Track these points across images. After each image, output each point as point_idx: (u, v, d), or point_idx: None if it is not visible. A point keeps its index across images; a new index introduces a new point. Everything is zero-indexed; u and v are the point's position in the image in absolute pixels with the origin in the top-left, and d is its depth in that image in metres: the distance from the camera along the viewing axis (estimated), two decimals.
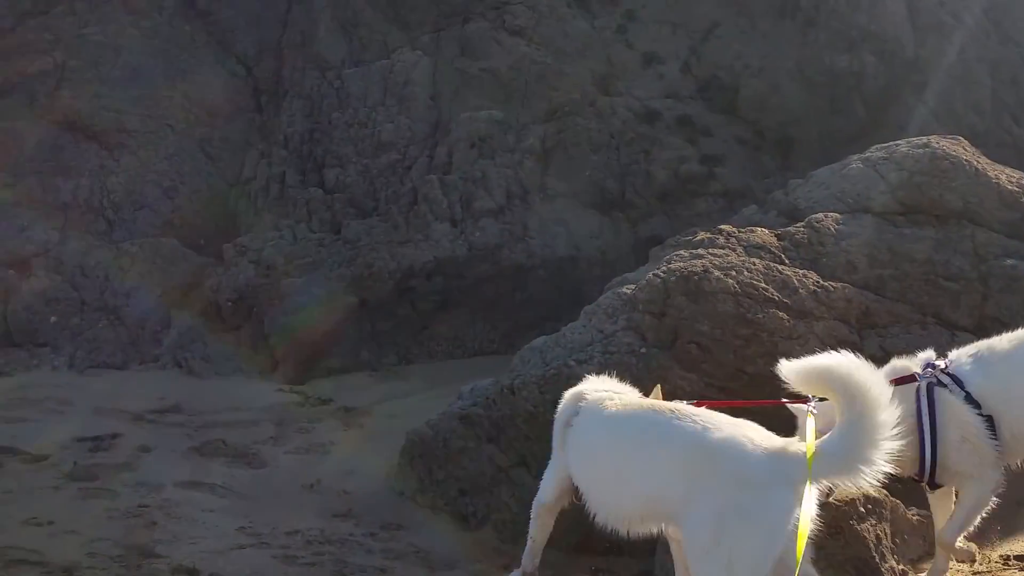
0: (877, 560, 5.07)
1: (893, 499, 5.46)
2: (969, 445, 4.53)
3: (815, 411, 4.07)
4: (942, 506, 4.76)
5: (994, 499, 5.95)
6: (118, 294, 9.56)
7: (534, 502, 4.76)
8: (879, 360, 6.58)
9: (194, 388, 8.66)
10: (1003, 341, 4.67)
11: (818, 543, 5.07)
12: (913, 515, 5.61)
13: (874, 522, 5.17)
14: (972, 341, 6.80)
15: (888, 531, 5.26)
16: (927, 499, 5.82)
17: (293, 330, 9.17)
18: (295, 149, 10.58)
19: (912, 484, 6.30)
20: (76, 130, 10.33)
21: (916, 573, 5.33)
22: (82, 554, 5.58)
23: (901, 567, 5.25)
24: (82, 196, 10.05)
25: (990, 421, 4.49)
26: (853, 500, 5.14)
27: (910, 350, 6.64)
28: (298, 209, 9.98)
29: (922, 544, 5.56)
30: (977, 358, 4.67)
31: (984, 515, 5.58)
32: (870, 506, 5.21)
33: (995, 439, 4.45)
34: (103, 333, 9.32)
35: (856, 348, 6.51)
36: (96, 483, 6.61)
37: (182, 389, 8.60)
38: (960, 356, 4.73)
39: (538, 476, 5.83)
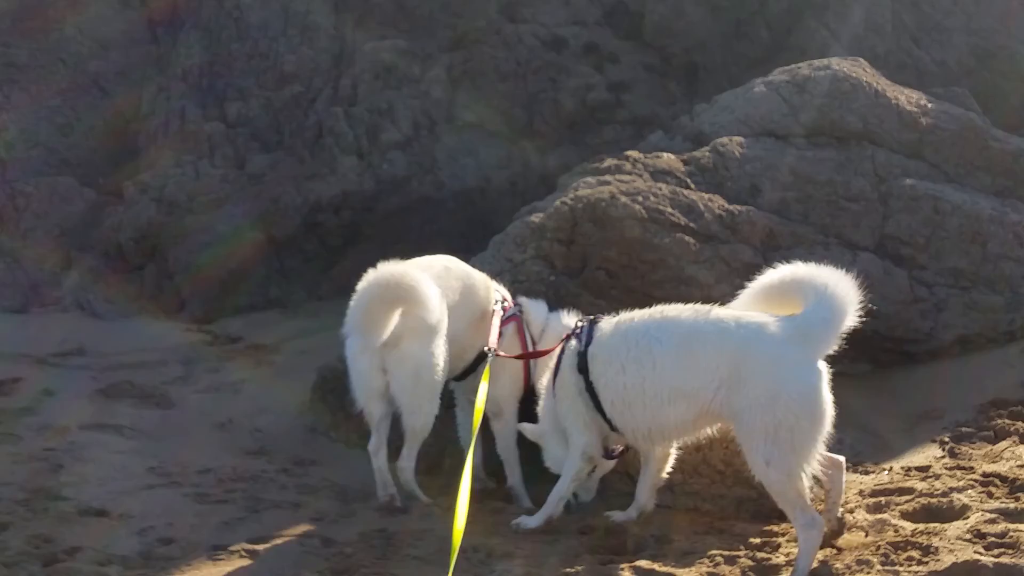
0: None
1: None
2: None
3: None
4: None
5: (896, 413, 6.21)
6: (14, 236, 9.28)
7: (572, 462, 4.93)
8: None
9: (98, 330, 8.48)
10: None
11: (726, 460, 5.21)
12: None
13: None
14: (873, 260, 7.00)
15: None
16: None
17: (199, 268, 9.01)
18: (194, 82, 10.30)
19: None
20: None
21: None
22: None
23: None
24: None
25: None
26: None
27: None
28: (200, 144, 9.75)
29: None
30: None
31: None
32: None
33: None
34: (1, 276, 9.06)
35: (762, 270, 6.64)
36: None
37: (85, 331, 8.42)
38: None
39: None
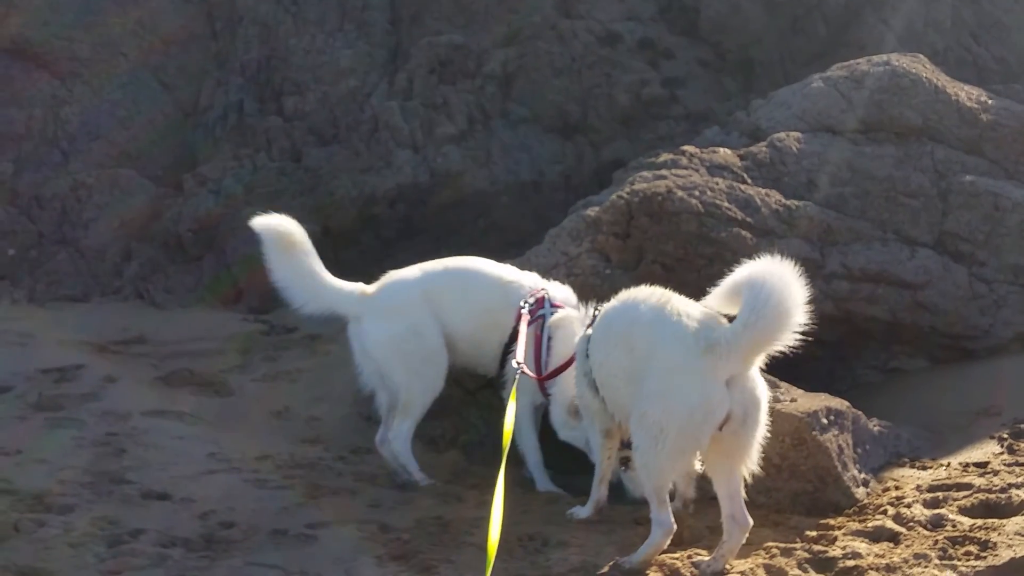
0: (839, 469, 5.19)
1: (855, 410, 5.58)
2: None
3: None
4: None
5: (954, 410, 6.18)
6: (76, 226, 9.44)
7: (594, 446, 5.14)
8: (841, 277, 6.70)
9: (157, 319, 8.60)
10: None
11: (782, 453, 5.21)
12: (875, 426, 5.73)
13: (836, 432, 5.29)
14: (932, 256, 6.96)
15: (850, 441, 5.38)
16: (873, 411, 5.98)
17: (255, 260, 9.09)
18: (252, 77, 10.43)
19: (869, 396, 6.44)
20: (27, 59, 10.12)
21: (878, 483, 5.46)
22: (52, 482, 5.56)
23: (863, 476, 5.38)
24: (36, 127, 9.86)
25: None
26: (815, 411, 5.24)
27: (872, 266, 6.78)
28: (257, 138, 9.86)
29: (883, 454, 5.69)
30: None
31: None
32: (832, 417, 5.32)
33: None
34: (62, 265, 9.23)
35: (818, 265, 6.65)
36: (62, 413, 6.57)
37: (145, 320, 8.54)
38: None
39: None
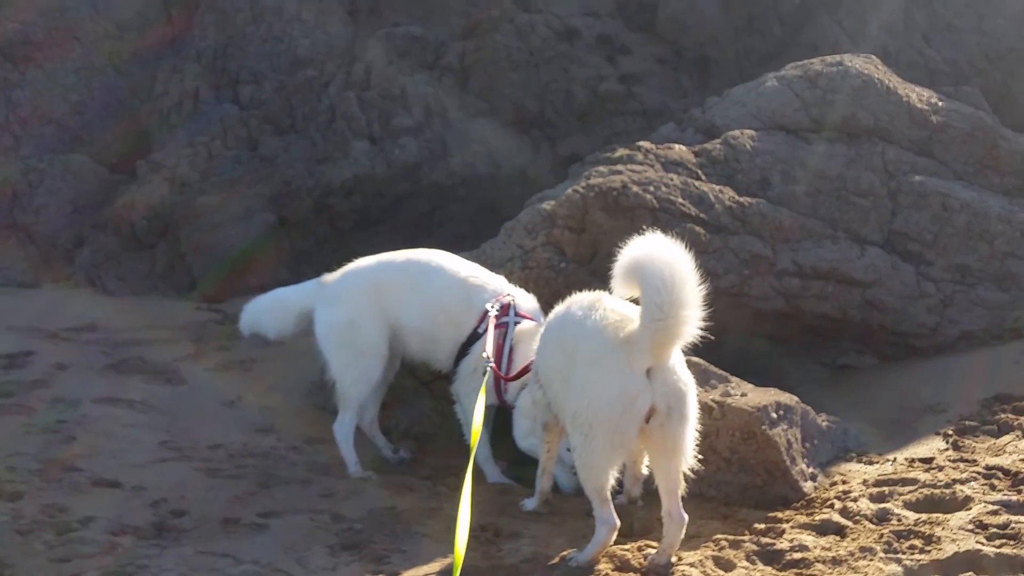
0: (788, 463, 5.27)
1: (804, 405, 5.66)
2: None
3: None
4: None
5: (900, 406, 6.28)
6: (27, 211, 9.34)
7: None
8: (792, 274, 6.79)
9: (109, 306, 8.53)
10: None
11: (731, 447, 5.28)
12: (823, 421, 5.81)
13: (785, 427, 5.36)
14: (881, 255, 7.06)
15: (799, 436, 5.45)
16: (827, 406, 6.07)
17: (210, 248, 9.06)
18: (208, 64, 10.36)
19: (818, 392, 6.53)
20: None
21: (825, 477, 5.54)
22: (1, 468, 5.52)
23: (811, 470, 5.46)
24: None
25: None
26: (765, 406, 5.31)
27: (822, 264, 6.88)
28: (212, 125, 9.80)
29: (831, 449, 5.77)
30: None
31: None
32: (782, 412, 5.39)
33: None
34: (13, 251, 9.12)
35: (770, 262, 6.72)
36: (11, 400, 6.50)
37: (96, 307, 8.46)
38: None
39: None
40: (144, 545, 4.80)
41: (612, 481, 4.43)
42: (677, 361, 4.36)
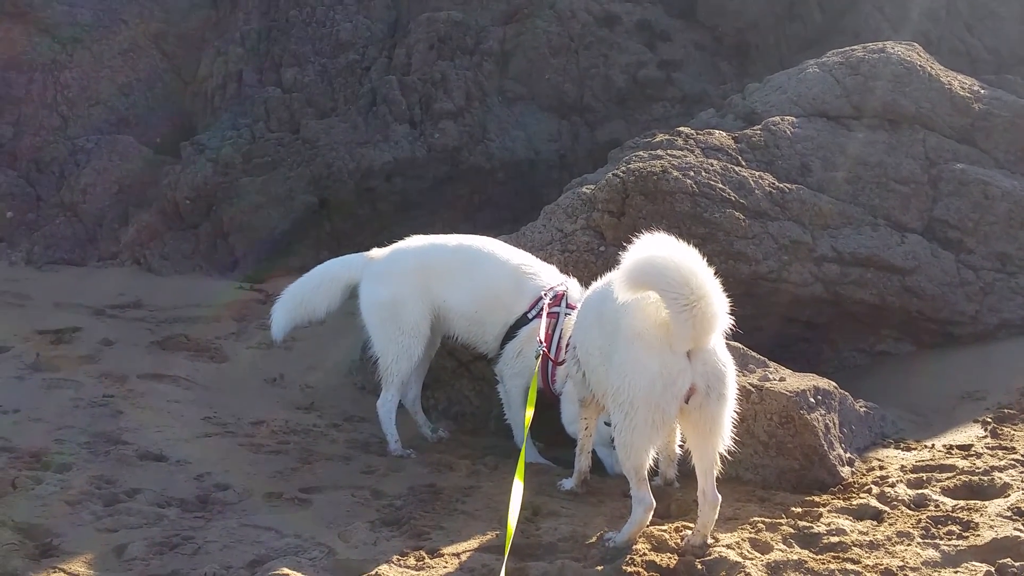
0: (825, 448, 5.28)
1: (842, 391, 5.67)
2: None
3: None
4: None
5: (938, 393, 6.27)
6: (74, 190, 9.48)
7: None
8: (831, 260, 6.79)
9: (153, 284, 8.67)
10: None
11: (769, 431, 5.31)
12: (860, 406, 5.83)
13: (823, 412, 5.37)
14: (921, 242, 7.05)
15: (836, 421, 5.47)
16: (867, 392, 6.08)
17: (252, 229, 9.17)
18: (252, 47, 10.46)
19: (856, 378, 6.53)
20: (29, 23, 10.13)
21: (862, 462, 5.55)
22: (50, 440, 5.65)
23: (848, 455, 5.48)
24: (36, 91, 9.89)
25: None
26: (804, 391, 5.33)
27: (861, 250, 6.88)
28: (256, 108, 9.90)
29: (868, 434, 5.79)
30: None
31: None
32: (820, 397, 5.41)
33: None
34: (60, 229, 9.27)
35: (809, 248, 6.73)
36: (60, 374, 6.66)
37: (141, 285, 8.60)
38: None
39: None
40: (189, 517, 4.90)
41: (650, 461, 4.47)
42: (718, 343, 4.39)
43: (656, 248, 4.28)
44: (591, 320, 4.79)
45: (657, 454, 4.81)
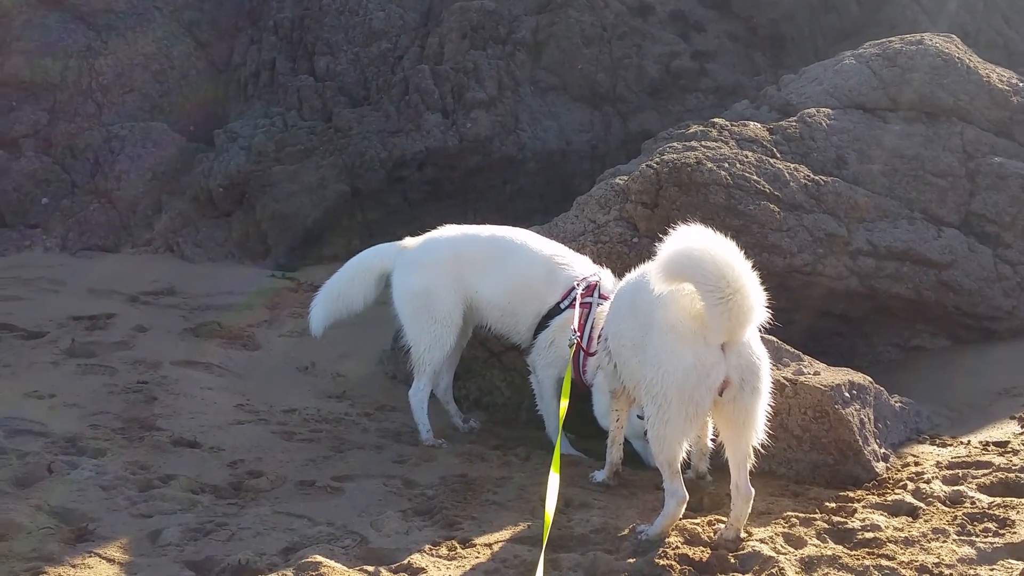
0: (860, 443, 5.25)
1: (877, 386, 5.63)
2: None
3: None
4: None
5: (974, 389, 6.20)
6: (108, 177, 9.53)
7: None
8: (866, 254, 6.74)
9: (186, 272, 8.71)
10: None
11: (803, 425, 5.28)
12: (896, 402, 5.78)
13: (858, 407, 5.34)
14: (958, 237, 6.99)
15: (871, 416, 5.43)
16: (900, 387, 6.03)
17: (284, 217, 9.20)
18: (285, 35, 10.48)
19: (890, 373, 6.48)
20: (64, 9, 10.18)
21: (897, 458, 5.52)
22: (84, 426, 5.70)
23: (883, 451, 5.44)
24: (71, 77, 9.94)
25: None
26: (839, 385, 5.29)
27: (897, 244, 6.82)
28: (288, 96, 9.92)
29: (903, 430, 5.75)
30: None
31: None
32: (855, 391, 5.37)
33: None
34: (94, 216, 9.33)
35: (845, 242, 6.68)
36: (94, 360, 6.71)
37: (175, 272, 8.65)
38: None
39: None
40: (222, 504, 4.93)
41: (684, 454, 4.45)
42: (752, 335, 4.37)
43: (693, 240, 4.27)
44: (624, 311, 4.77)
45: (690, 447, 4.79)
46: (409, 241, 6.23)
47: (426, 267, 6.00)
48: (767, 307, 4.24)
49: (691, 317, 4.26)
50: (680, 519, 4.64)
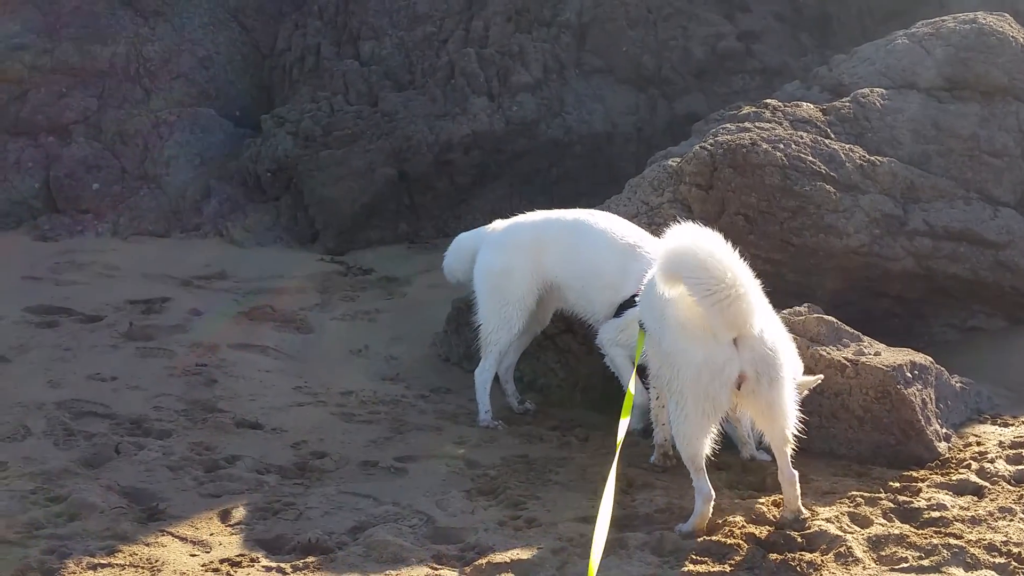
0: (922, 423, 5.24)
1: (938, 366, 5.61)
2: None
3: None
4: None
5: None
6: (157, 163, 9.59)
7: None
8: (923, 234, 6.70)
9: (236, 256, 8.76)
10: None
11: (864, 406, 5.27)
12: (956, 382, 5.76)
13: (920, 387, 5.33)
14: (1015, 216, 6.93)
15: (933, 396, 5.41)
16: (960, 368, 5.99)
17: (332, 201, 9.24)
18: (330, 20, 10.50)
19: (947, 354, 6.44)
20: None
21: (959, 438, 5.50)
22: (148, 408, 5.78)
23: (945, 431, 5.43)
24: (119, 64, 9.99)
25: None
26: (900, 365, 5.28)
27: (954, 224, 6.77)
28: (334, 81, 9.95)
29: (964, 410, 5.72)
30: None
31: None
32: (916, 372, 5.35)
33: None
34: (144, 201, 9.39)
35: (901, 222, 6.64)
36: (153, 343, 6.78)
37: (225, 257, 8.70)
38: None
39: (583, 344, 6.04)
40: (288, 484, 5.00)
41: (707, 450, 4.43)
42: (766, 326, 4.33)
43: (678, 239, 4.25)
44: (646, 302, 4.74)
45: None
46: (497, 223, 6.28)
47: (507, 248, 6.04)
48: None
49: (700, 315, 4.24)
50: (743, 499, 4.66)
